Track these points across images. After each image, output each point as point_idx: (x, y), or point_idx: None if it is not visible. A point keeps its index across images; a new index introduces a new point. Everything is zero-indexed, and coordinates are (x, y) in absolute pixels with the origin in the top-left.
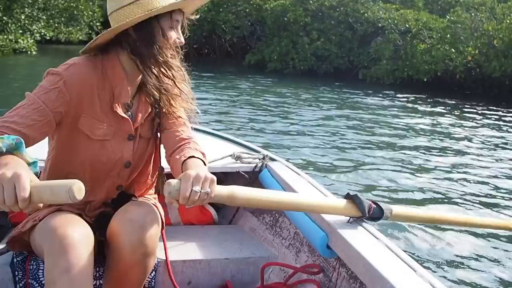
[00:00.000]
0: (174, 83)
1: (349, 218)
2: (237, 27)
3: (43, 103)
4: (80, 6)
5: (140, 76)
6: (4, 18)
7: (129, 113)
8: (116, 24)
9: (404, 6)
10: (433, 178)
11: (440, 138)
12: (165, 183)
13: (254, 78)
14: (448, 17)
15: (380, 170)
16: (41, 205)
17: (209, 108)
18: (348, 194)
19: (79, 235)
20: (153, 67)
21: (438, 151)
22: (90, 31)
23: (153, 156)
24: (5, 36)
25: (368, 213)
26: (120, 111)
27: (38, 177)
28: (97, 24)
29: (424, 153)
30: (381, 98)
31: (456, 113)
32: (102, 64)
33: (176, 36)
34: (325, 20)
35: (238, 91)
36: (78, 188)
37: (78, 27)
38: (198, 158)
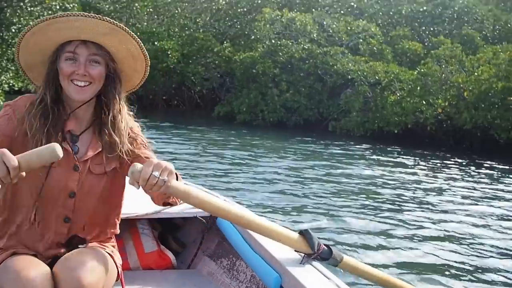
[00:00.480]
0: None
1: (301, 258)
2: (206, 78)
3: None
4: None
5: (91, 113)
6: None
7: (76, 146)
8: None
9: (373, 59)
10: (402, 230)
11: (411, 189)
12: (131, 165)
13: (223, 130)
14: (418, 69)
15: (343, 219)
16: (24, 173)
17: (175, 157)
18: (301, 230)
19: (41, 278)
20: (60, 102)
21: (407, 203)
22: None
23: (111, 200)
24: None
25: (317, 251)
26: (58, 141)
27: None
28: None
29: (392, 205)
30: (350, 150)
31: (427, 165)
32: None
33: (71, 69)
34: (294, 72)
35: (206, 142)
36: (58, 148)
37: None
38: None
